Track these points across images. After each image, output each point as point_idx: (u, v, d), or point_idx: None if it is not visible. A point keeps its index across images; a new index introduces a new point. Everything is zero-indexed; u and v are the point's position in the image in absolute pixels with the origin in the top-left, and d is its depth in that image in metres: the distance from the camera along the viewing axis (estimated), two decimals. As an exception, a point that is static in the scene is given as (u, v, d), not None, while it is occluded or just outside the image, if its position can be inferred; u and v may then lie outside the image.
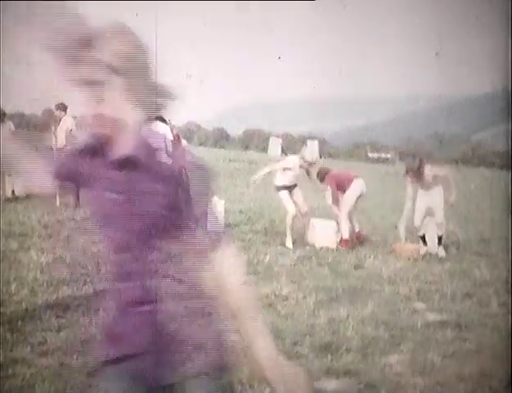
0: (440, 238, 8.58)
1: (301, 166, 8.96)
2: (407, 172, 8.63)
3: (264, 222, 10.46)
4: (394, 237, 9.74)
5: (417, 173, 8.48)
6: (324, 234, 8.88)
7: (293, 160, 9.10)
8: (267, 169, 9.07)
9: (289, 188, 9.04)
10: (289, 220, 8.94)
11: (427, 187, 8.61)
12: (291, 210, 8.99)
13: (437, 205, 8.62)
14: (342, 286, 6.48)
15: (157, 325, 1.98)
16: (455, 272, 7.52)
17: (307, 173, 9.14)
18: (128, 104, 1.96)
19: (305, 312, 5.54)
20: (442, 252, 8.50)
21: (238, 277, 2.03)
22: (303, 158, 8.93)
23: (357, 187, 8.92)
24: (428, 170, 8.55)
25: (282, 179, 9.05)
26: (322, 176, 9.23)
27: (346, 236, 8.83)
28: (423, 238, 8.70)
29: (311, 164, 9.00)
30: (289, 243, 8.78)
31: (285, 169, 9.00)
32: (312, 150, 9.63)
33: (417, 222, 8.67)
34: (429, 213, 8.64)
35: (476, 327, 5.34)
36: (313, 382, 4.42)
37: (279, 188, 9.09)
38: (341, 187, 9.01)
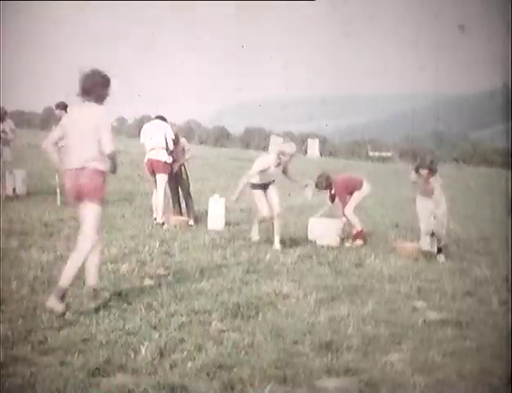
0: (440, 249, 8.30)
1: (279, 164, 8.48)
2: (417, 170, 8.29)
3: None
4: (394, 236, 9.76)
5: (428, 174, 8.21)
6: (325, 232, 8.91)
7: (267, 160, 8.58)
8: (244, 180, 8.52)
9: (264, 186, 8.60)
10: (258, 218, 8.74)
11: (428, 193, 8.34)
12: (263, 210, 8.61)
13: (441, 216, 8.31)
14: (342, 285, 6.48)
15: None
16: (455, 270, 7.52)
17: (284, 171, 8.67)
18: None
19: (306, 310, 5.54)
20: (441, 259, 8.19)
21: None
22: (282, 153, 8.45)
23: (366, 189, 9.31)
24: (436, 177, 8.29)
25: (256, 177, 8.56)
26: (326, 184, 9.27)
27: (359, 228, 9.08)
28: (439, 249, 8.33)
29: (291, 156, 8.48)
30: (255, 235, 8.68)
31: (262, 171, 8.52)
32: (289, 142, 9.06)
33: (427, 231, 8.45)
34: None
35: (476, 326, 5.34)
36: None
37: (253, 186, 8.62)
38: (351, 189, 9.26)
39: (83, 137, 5.17)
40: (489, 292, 6.46)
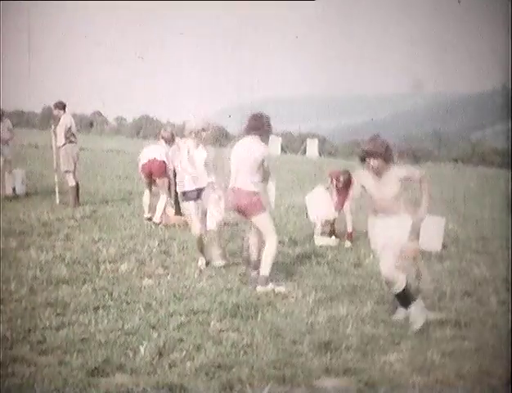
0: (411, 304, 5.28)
1: (198, 145, 6.93)
2: (363, 158, 5.26)
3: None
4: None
5: (382, 164, 5.19)
6: (320, 205, 8.92)
7: (185, 145, 7.05)
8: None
9: (197, 195, 6.96)
10: (197, 242, 7.05)
11: (382, 205, 5.29)
12: (194, 229, 7.00)
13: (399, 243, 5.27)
14: (341, 285, 6.48)
15: None
16: (454, 270, 7.51)
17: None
18: None
19: (304, 310, 5.53)
20: (414, 324, 5.17)
21: None
22: (187, 131, 6.98)
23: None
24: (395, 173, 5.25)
25: (181, 183, 7.06)
26: (346, 182, 9.08)
27: (350, 229, 9.02)
28: (400, 297, 5.31)
29: (204, 131, 7.00)
30: (201, 262, 7.04)
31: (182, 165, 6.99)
32: (197, 117, 7.15)
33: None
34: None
35: (475, 326, 5.34)
36: None
37: (185, 197, 7.07)
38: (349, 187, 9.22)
39: (245, 164, 6.28)
40: (488, 292, 6.45)
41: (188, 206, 7.03)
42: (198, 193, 6.95)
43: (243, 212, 6.40)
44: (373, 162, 5.19)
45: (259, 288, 6.16)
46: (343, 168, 9.53)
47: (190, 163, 6.94)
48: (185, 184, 7.00)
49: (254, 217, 6.33)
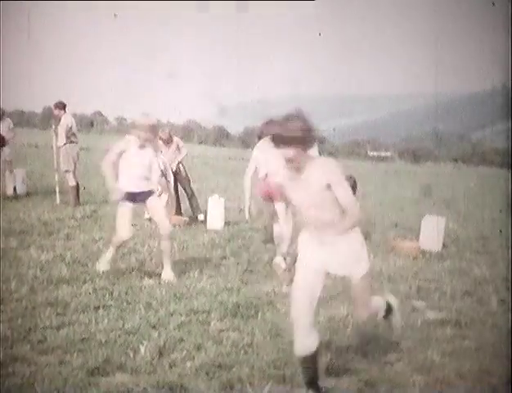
0: None
1: (144, 144, 6.31)
2: (272, 140, 3.56)
3: (264, 220, 10.44)
4: (393, 235, 9.76)
5: (295, 156, 3.51)
6: None
7: (127, 139, 6.40)
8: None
9: (134, 198, 6.36)
10: (114, 242, 6.46)
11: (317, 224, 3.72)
12: (123, 231, 6.35)
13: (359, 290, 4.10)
14: (342, 284, 6.47)
15: None
16: (454, 270, 7.52)
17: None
18: None
19: (305, 310, 5.53)
20: None
21: None
22: (136, 127, 6.28)
23: None
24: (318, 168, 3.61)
25: (126, 183, 6.36)
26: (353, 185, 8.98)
27: None
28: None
29: (151, 131, 6.34)
30: (103, 264, 6.46)
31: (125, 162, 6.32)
32: (142, 111, 6.46)
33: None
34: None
35: (476, 325, 5.34)
36: None
37: (122, 198, 6.38)
38: None
39: (268, 159, 6.61)
40: (488, 292, 6.45)
41: (124, 209, 6.33)
42: (137, 197, 6.38)
43: (271, 196, 6.86)
44: (287, 152, 3.49)
45: (277, 258, 6.42)
46: (345, 171, 9.51)
47: (138, 163, 6.32)
48: (129, 185, 6.34)
49: (278, 203, 6.81)
